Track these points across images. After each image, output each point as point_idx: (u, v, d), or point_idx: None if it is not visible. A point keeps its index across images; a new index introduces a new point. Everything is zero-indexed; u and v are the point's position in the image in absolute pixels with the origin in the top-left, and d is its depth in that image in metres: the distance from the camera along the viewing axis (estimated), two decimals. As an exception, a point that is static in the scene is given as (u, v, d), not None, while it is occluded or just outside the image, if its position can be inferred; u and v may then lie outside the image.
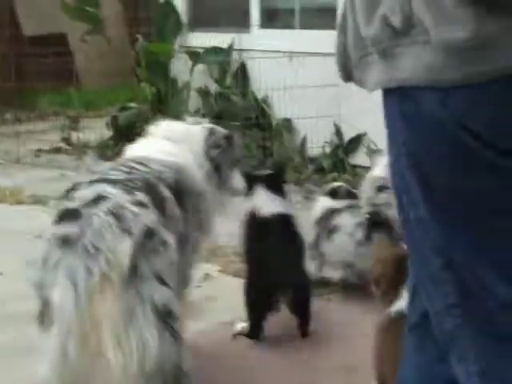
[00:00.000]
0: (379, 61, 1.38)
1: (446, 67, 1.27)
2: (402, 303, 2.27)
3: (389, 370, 2.17)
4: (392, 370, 2.01)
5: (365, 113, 5.87)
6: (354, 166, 5.75)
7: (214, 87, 6.82)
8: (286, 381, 2.76)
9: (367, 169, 5.53)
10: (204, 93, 6.94)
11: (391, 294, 2.36)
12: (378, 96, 5.13)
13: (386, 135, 1.46)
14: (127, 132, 7.21)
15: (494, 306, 1.33)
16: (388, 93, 1.41)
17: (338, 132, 5.94)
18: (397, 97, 1.37)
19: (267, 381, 2.76)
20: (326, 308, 3.38)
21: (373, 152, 5.43)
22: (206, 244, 4.18)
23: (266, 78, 6.25)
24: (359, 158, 5.81)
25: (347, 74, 1.52)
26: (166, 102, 7.07)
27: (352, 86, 5.39)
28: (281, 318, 3.09)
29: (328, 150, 5.91)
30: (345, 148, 5.88)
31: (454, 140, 1.29)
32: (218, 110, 6.62)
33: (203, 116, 6.85)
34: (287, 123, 6.21)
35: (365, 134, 5.53)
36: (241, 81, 6.55)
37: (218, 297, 3.55)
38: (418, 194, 1.37)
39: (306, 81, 6.07)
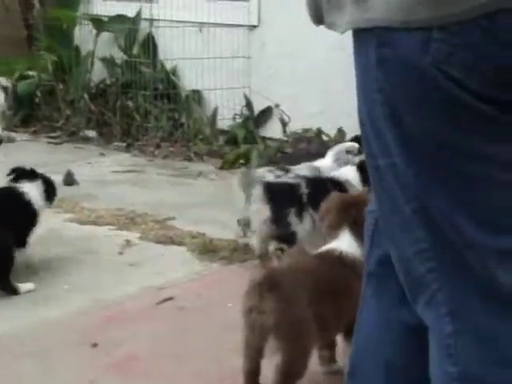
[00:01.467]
0: (351, 0, 1.35)
1: (421, 4, 1.22)
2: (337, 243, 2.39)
3: None
4: None
5: (275, 85, 5.93)
6: (264, 138, 5.78)
7: (120, 56, 6.67)
8: (214, 343, 2.74)
9: (277, 141, 5.60)
10: (109, 62, 6.76)
11: (334, 231, 2.42)
12: (289, 68, 5.21)
13: (357, 82, 1.45)
14: (27, 101, 6.97)
15: (465, 248, 1.37)
16: (361, 36, 1.37)
17: (249, 104, 5.94)
18: (371, 41, 1.33)
19: (195, 344, 2.74)
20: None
21: (285, 123, 5.48)
22: (124, 213, 4.15)
23: (175, 49, 6.17)
24: (269, 130, 5.84)
25: (318, 17, 1.48)
26: (68, 72, 6.86)
27: (263, 57, 5.44)
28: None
29: (239, 121, 5.90)
30: (255, 120, 5.89)
31: (432, 86, 1.28)
32: (125, 79, 6.48)
33: (110, 86, 6.76)
34: (197, 95, 6.15)
35: (278, 106, 5.55)
36: (149, 51, 6.42)
37: (141, 263, 3.50)
38: (392, 141, 1.36)
39: (216, 52, 6.04)
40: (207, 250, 3.63)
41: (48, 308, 2.99)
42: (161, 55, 6.42)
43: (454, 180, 1.34)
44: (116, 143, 6.09)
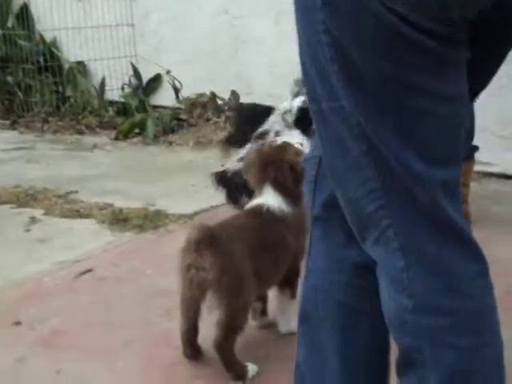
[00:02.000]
0: None
1: None
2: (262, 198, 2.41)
3: None
4: None
5: (162, 52, 5.84)
6: (155, 107, 5.70)
7: (-7, 32, 6.35)
8: (142, 310, 2.71)
9: (169, 108, 5.54)
10: (-19, 39, 6.43)
11: (256, 189, 2.44)
12: (175, 35, 5.15)
13: (298, 25, 1.43)
14: None
15: (413, 183, 1.41)
16: None
17: (136, 73, 5.83)
18: None
19: (122, 312, 2.69)
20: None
21: (177, 89, 5.42)
22: (22, 190, 4.00)
23: (54, 20, 5.95)
24: (160, 97, 5.76)
25: None
26: None
27: (148, 25, 5.37)
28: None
29: (128, 91, 5.79)
30: (144, 89, 5.80)
31: (378, 22, 1.28)
32: (2, 54, 6.20)
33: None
34: (81, 66, 5.97)
35: (169, 72, 5.47)
36: (25, 22, 6.15)
37: (51, 238, 3.38)
38: (338, 84, 1.37)
39: (98, 21, 5.88)
40: (117, 219, 3.56)
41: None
42: (39, 26, 6.18)
43: (400, 115, 1.38)
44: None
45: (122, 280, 2.95)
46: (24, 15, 6.17)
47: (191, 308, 2.29)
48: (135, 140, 5.14)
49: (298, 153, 2.48)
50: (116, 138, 5.16)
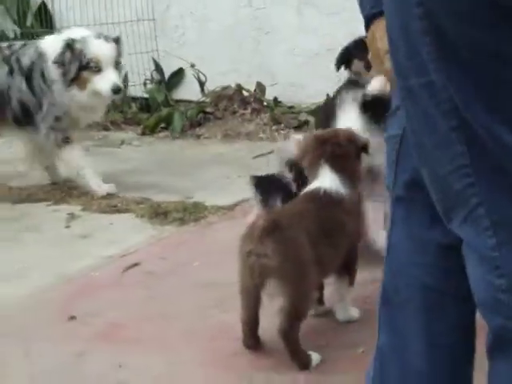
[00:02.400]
0: None
1: None
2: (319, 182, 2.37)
3: None
4: None
5: (184, 46, 5.81)
6: (178, 101, 5.66)
7: (12, 32, 6.32)
8: (195, 302, 2.69)
9: (192, 102, 5.51)
10: (0, 37, 6.41)
11: (312, 173, 2.40)
12: (197, 28, 5.12)
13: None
14: None
15: (505, 157, 1.38)
16: None
17: (158, 68, 5.80)
18: None
19: (176, 305, 2.67)
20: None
21: (202, 82, 5.39)
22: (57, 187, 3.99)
23: (74, 16, 5.91)
24: (182, 92, 5.73)
25: None
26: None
27: (169, 19, 5.34)
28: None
29: (151, 86, 5.75)
30: (166, 83, 5.76)
31: None
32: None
33: None
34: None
35: (193, 66, 5.44)
36: (44, 20, 6.13)
37: (92, 234, 3.37)
38: (428, 57, 1.35)
39: (118, 17, 5.84)
40: (157, 213, 3.54)
41: (8, 287, 2.82)
42: (58, 24, 6.15)
43: (494, 88, 1.35)
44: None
45: (171, 273, 2.93)
46: (43, 13, 6.14)
47: (252, 297, 2.27)
48: (162, 134, 5.11)
49: (354, 133, 2.46)
50: (143, 133, 5.14)
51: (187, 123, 5.13)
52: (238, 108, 5.17)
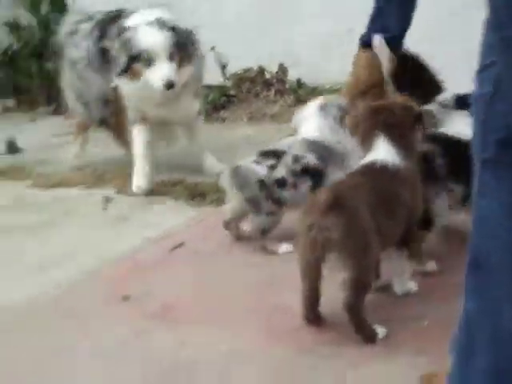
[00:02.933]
0: None
1: None
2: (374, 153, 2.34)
3: None
4: None
5: (202, 29, 5.75)
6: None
7: (26, 19, 6.27)
8: (249, 281, 2.66)
9: (212, 86, 5.46)
10: (14, 26, 6.36)
11: (366, 145, 2.37)
12: (213, 12, 5.02)
13: None
14: None
15: None
16: None
17: (176, 52, 5.74)
18: None
19: (229, 283, 2.64)
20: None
21: (224, 65, 5.34)
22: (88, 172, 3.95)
23: (89, 1, 5.86)
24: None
25: None
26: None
27: (185, 3, 5.25)
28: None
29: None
30: (185, 68, 5.71)
31: None
32: (37, 43, 6.13)
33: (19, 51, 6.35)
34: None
35: (213, 48, 5.39)
36: (59, 7, 6.07)
37: (131, 216, 3.34)
38: None
39: (131, 3, 5.79)
40: (193, 195, 3.51)
41: (57, 270, 2.80)
42: (73, 10, 6.08)
43: None
44: (41, 108, 5.77)
45: (217, 252, 2.90)
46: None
47: (313, 270, 2.24)
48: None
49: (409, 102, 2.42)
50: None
51: (210, 107, 5.08)
52: (260, 90, 5.12)
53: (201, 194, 3.52)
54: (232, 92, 5.19)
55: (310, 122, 2.95)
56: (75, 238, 3.12)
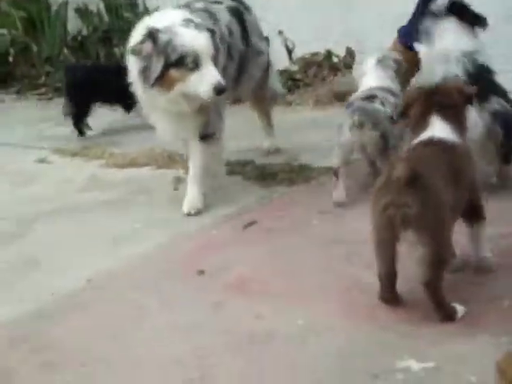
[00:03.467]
0: None
1: None
2: (431, 131, 2.36)
3: None
4: None
5: (269, 13, 5.75)
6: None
7: (95, 5, 6.37)
8: (322, 258, 2.65)
9: (279, 71, 5.46)
10: (83, 12, 6.47)
11: (420, 125, 2.40)
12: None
13: None
14: (2, 62, 6.63)
15: None
16: None
17: (242, 36, 5.75)
18: None
19: (303, 260, 2.64)
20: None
21: (290, 50, 5.33)
22: (158, 152, 3.99)
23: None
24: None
25: None
26: (39, 27, 6.54)
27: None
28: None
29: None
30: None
31: None
32: (106, 28, 6.23)
33: (89, 36, 6.45)
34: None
35: (281, 33, 5.39)
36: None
37: (206, 196, 3.36)
38: None
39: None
40: (264, 175, 3.53)
41: (132, 245, 2.85)
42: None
43: None
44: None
45: (290, 230, 2.91)
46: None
47: (389, 249, 2.22)
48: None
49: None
50: (233, 102, 5.10)
51: (277, 90, 5.08)
52: (327, 74, 5.10)
53: (271, 174, 3.53)
54: (298, 76, 5.18)
55: (372, 74, 3.27)
56: (149, 215, 3.17)
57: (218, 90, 2.89)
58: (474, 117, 2.82)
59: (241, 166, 3.69)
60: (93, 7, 6.38)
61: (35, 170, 3.96)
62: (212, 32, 3.01)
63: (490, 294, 2.31)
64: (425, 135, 2.38)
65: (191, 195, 3.18)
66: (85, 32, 6.46)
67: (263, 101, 3.93)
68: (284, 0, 5.53)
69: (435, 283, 2.17)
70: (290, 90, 5.12)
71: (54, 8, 6.62)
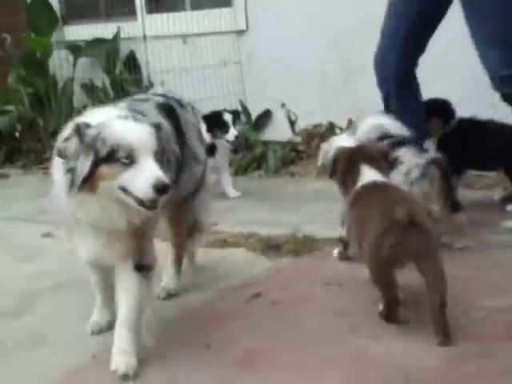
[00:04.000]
0: None
1: None
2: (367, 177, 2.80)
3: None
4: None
5: (272, 87, 5.86)
6: (264, 142, 5.69)
7: (100, 80, 6.52)
8: (328, 330, 2.63)
9: (280, 142, 5.54)
10: (89, 87, 6.61)
11: (350, 176, 2.86)
12: (284, 70, 5.11)
13: None
14: (8, 137, 6.73)
15: None
16: None
17: (245, 110, 5.86)
18: None
19: (309, 332, 2.62)
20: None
21: (293, 121, 5.42)
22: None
23: (160, 63, 6.05)
24: (270, 132, 5.77)
25: None
26: (46, 102, 6.66)
27: (254, 61, 5.33)
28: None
29: (243, 127, 5.79)
30: (254, 125, 5.81)
31: None
32: (110, 102, 6.33)
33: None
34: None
35: (284, 105, 5.48)
36: (132, 68, 6.30)
37: (207, 267, 3.36)
38: None
39: (202, 61, 5.96)
40: (269, 246, 3.53)
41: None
42: (146, 71, 6.29)
43: None
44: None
45: (296, 302, 2.90)
46: (131, 62, 6.32)
47: (394, 280, 2.54)
48: (256, 173, 5.15)
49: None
50: (236, 174, 5.16)
51: (280, 162, 5.15)
52: (330, 145, 5.15)
53: (276, 245, 3.54)
54: (301, 147, 5.25)
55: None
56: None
57: (159, 188, 2.29)
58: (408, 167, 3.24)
59: (244, 238, 3.70)
60: (98, 82, 6.52)
61: (40, 245, 3.97)
62: (157, 127, 2.48)
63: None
64: (363, 181, 2.81)
65: (126, 346, 2.45)
66: (90, 106, 6.57)
67: (180, 227, 3.10)
68: (285, 75, 5.64)
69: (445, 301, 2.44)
70: (293, 162, 5.18)
71: (60, 84, 6.77)
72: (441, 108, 3.94)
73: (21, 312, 3.06)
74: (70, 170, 2.34)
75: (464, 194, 4.09)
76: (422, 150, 3.50)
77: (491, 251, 3.24)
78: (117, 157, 2.31)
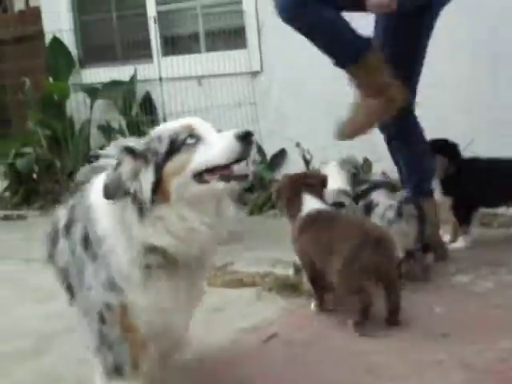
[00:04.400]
0: None
1: None
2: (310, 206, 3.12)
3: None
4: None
5: (285, 126, 5.90)
6: (280, 182, 5.70)
7: (117, 122, 6.59)
8: (346, 371, 2.61)
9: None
10: (106, 128, 6.68)
11: (290, 207, 3.19)
12: (298, 108, 5.13)
13: None
14: (26, 179, 6.81)
15: None
16: None
17: (260, 149, 5.89)
18: None
19: (328, 373, 2.60)
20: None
21: (308, 160, 5.44)
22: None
23: (176, 105, 6.11)
24: (285, 171, 5.78)
25: None
26: (63, 144, 6.74)
27: (269, 101, 5.38)
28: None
29: (252, 168, 5.83)
30: (269, 164, 5.84)
31: None
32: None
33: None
34: (205, 147, 6.07)
35: (298, 145, 5.50)
36: (148, 110, 6.37)
37: (223, 308, 3.35)
38: None
39: (219, 102, 6.02)
40: (285, 286, 3.52)
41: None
42: (166, 110, 6.34)
43: None
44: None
45: (312, 343, 2.87)
46: (147, 103, 6.40)
47: (367, 290, 2.87)
48: (270, 213, 5.15)
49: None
50: (251, 213, 5.17)
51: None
52: (345, 184, 5.15)
53: (293, 285, 3.52)
54: (317, 186, 5.25)
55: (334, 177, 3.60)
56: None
57: (243, 135, 1.99)
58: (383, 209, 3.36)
59: (260, 277, 3.69)
60: (115, 124, 6.59)
61: (55, 286, 3.97)
62: None
63: None
64: (307, 208, 3.10)
65: None
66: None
67: None
68: (300, 114, 5.68)
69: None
70: (307, 200, 5.17)
71: (77, 126, 6.86)
72: (446, 147, 3.94)
73: (37, 353, 3.06)
74: (133, 195, 1.99)
75: (481, 232, 4.08)
76: (394, 191, 3.64)
77: (509, 291, 3.21)
78: (178, 142, 2.03)
